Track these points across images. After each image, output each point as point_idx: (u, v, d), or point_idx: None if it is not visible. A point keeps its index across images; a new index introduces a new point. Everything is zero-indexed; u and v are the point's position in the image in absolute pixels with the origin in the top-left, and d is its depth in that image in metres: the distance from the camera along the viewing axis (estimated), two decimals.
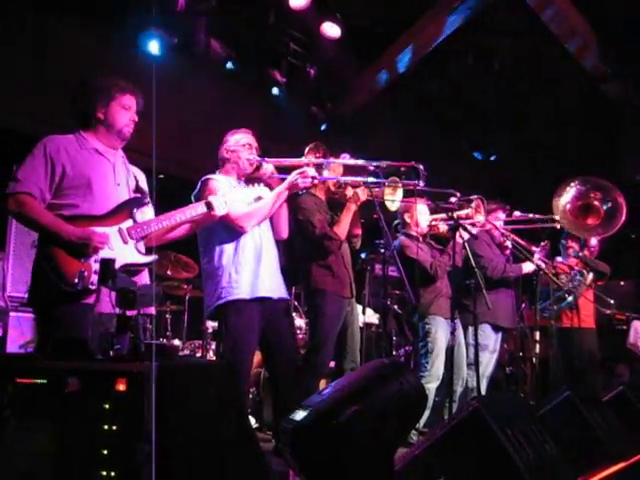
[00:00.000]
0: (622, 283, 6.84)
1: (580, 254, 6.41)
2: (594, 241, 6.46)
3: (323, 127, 8.57)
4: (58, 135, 3.35)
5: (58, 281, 3.05)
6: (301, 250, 4.76)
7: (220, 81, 7.53)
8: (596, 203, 5.69)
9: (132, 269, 3.26)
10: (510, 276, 5.66)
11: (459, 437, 2.87)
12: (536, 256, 5.61)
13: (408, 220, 5.49)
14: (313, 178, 4.02)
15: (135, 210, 3.34)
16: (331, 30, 7.29)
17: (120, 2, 6.29)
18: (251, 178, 4.18)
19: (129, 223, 3.29)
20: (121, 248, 3.23)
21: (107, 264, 2.77)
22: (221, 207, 3.56)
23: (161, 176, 7.31)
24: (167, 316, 6.23)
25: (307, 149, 4.39)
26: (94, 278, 3.06)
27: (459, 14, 7.29)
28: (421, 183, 4.35)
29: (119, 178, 3.41)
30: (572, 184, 5.66)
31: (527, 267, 5.69)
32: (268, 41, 7.48)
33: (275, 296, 3.99)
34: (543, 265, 5.56)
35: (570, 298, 6.26)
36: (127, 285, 2.69)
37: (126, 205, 3.33)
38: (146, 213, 3.44)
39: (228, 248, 3.96)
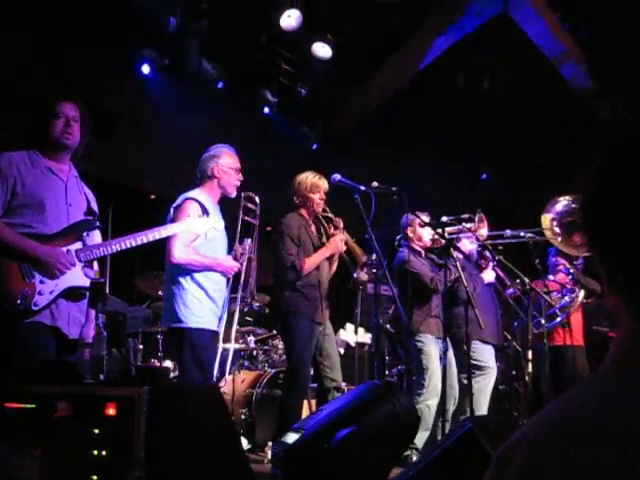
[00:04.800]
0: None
1: (572, 271, 6.41)
2: (579, 258, 6.47)
3: (314, 146, 8.60)
4: (10, 152, 3.30)
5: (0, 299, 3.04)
6: (276, 273, 4.87)
7: (212, 101, 7.55)
8: None
9: (77, 292, 3.26)
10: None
11: (453, 458, 2.85)
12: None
13: (411, 234, 5.52)
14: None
15: (85, 233, 3.34)
16: (322, 50, 7.33)
17: (112, 23, 6.31)
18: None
19: (78, 245, 3.29)
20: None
21: (98, 287, 2.76)
22: (196, 227, 3.77)
23: (152, 197, 7.33)
24: (158, 337, 6.17)
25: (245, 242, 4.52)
26: (37, 299, 3.08)
27: (450, 34, 7.35)
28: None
29: (71, 198, 3.38)
30: (560, 200, 5.66)
31: (488, 276, 5.62)
32: (259, 61, 7.52)
33: (218, 330, 4.19)
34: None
35: (560, 317, 6.27)
36: (117, 308, 2.68)
37: (76, 227, 3.32)
38: (95, 236, 3.46)
39: (202, 276, 4.06)
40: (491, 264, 5.59)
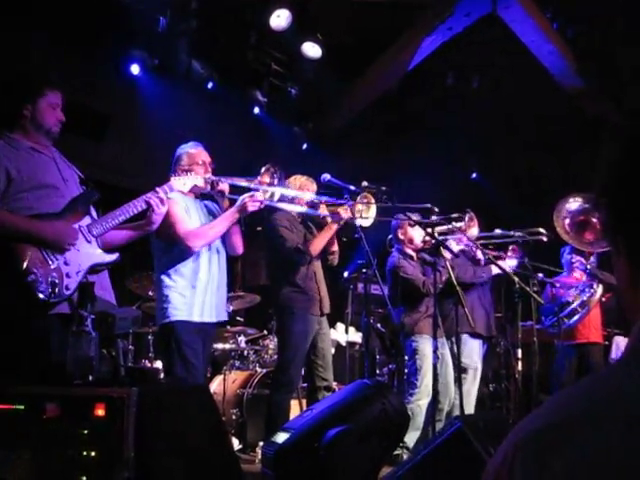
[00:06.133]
0: (603, 299, 6.87)
1: (588, 267, 6.44)
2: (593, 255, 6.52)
3: (304, 146, 8.60)
4: None
5: (30, 291, 2.83)
6: (272, 269, 4.87)
7: (202, 101, 7.54)
8: (594, 220, 5.73)
9: (97, 270, 3.16)
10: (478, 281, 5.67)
11: (443, 456, 2.86)
12: (513, 262, 5.67)
13: (401, 237, 5.50)
14: (261, 202, 4.04)
15: (90, 205, 3.22)
16: (312, 50, 7.33)
17: (102, 23, 6.29)
18: (204, 195, 4.25)
19: (87, 220, 3.16)
20: (86, 247, 3.11)
21: (86, 288, 2.73)
22: (181, 185, 3.66)
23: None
24: (149, 337, 6.16)
25: (262, 170, 4.33)
26: (67, 282, 2.94)
27: (439, 34, 7.36)
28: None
29: (64, 173, 3.23)
30: (571, 200, 5.72)
31: (495, 269, 5.62)
32: (249, 61, 7.51)
33: (214, 320, 4.07)
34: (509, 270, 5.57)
35: (580, 313, 6.30)
36: (106, 308, 2.66)
37: (79, 201, 3.17)
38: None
39: (183, 267, 3.97)
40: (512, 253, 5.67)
